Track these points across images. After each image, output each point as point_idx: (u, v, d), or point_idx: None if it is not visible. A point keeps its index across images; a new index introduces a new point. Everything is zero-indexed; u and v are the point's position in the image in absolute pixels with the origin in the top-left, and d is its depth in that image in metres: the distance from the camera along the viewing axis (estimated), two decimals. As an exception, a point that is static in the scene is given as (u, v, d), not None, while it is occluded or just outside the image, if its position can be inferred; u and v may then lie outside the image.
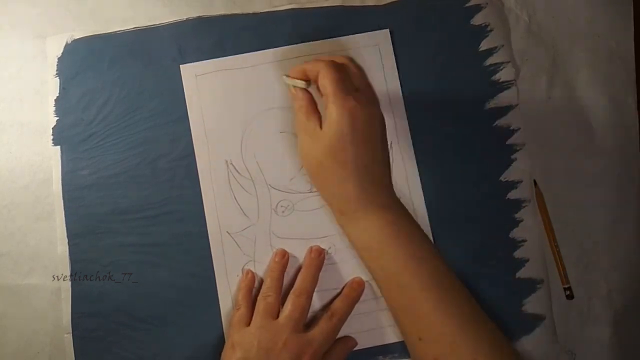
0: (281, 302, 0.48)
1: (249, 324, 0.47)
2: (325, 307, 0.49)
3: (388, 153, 0.47)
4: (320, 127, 0.45)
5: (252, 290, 0.50)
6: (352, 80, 0.46)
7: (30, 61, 0.54)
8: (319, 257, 0.50)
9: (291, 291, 0.48)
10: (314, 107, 0.47)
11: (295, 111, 0.48)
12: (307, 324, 0.48)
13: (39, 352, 0.51)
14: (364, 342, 0.50)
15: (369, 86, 0.48)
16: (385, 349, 0.50)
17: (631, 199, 0.53)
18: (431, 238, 0.51)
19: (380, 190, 0.45)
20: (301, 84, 0.47)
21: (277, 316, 0.47)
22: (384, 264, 0.44)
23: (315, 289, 0.50)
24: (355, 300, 0.50)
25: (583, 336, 0.51)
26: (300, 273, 0.49)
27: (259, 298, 0.48)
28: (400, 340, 0.50)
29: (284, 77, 0.49)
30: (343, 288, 0.50)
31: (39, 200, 0.52)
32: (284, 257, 0.50)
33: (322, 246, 0.51)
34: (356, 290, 0.50)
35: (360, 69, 0.48)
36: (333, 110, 0.44)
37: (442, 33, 0.54)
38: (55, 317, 0.51)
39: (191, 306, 0.51)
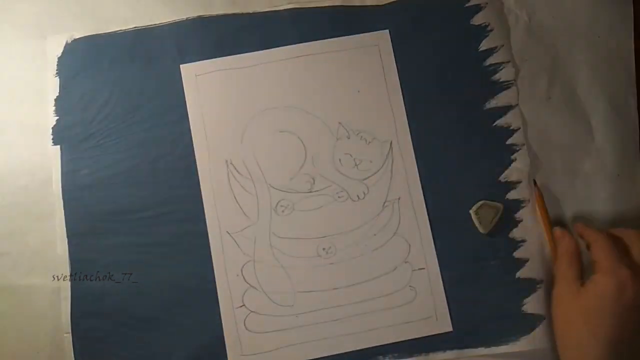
0: None
1: None
2: None
3: None
4: (580, 279, 0.45)
5: None
6: (631, 255, 0.46)
7: (30, 61, 0.54)
8: None
9: None
10: (578, 258, 0.47)
11: (558, 255, 0.48)
12: None
13: (39, 352, 0.51)
14: (364, 342, 0.50)
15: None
16: (385, 349, 0.50)
17: (631, 199, 0.53)
18: (432, 239, 0.51)
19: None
20: (499, 205, 0.50)
21: None
22: None
23: (315, 289, 0.50)
24: None
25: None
26: None
27: None
28: (399, 340, 0.50)
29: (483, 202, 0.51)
30: None
31: (39, 200, 0.52)
32: None
33: (322, 246, 0.51)
34: None
35: None
36: (602, 274, 0.43)
37: (442, 33, 0.54)
38: (55, 317, 0.51)
39: (191, 306, 0.51)
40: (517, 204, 0.52)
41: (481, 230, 0.51)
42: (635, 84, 0.54)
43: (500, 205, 0.51)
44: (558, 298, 0.46)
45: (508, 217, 0.52)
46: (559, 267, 0.47)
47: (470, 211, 0.51)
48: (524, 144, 0.52)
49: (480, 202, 0.51)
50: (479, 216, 0.51)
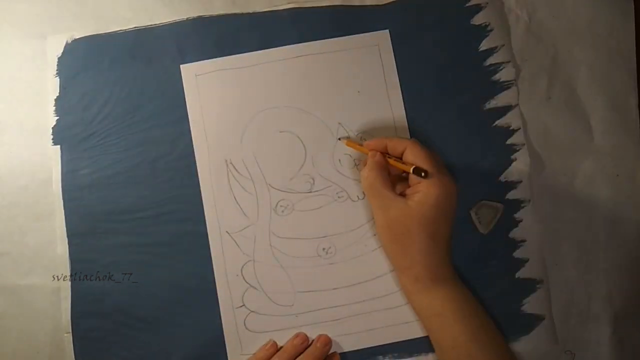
0: None
1: None
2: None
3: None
4: (391, 190, 0.46)
5: None
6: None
7: (30, 61, 0.54)
8: (324, 348, 0.49)
9: None
10: (387, 174, 0.48)
11: (366, 169, 0.48)
12: None
13: (39, 352, 0.51)
14: (363, 342, 0.50)
15: (443, 163, 0.49)
16: (385, 348, 0.50)
17: (631, 199, 0.53)
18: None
19: (449, 261, 0.47)
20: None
21: None
22: (455, 333, 0.45)
23: (315, 289, 0.50)
24: (319, 359, 0.49)
25: (583, 336, 0.51)
26: (299, 357, 0.49)
27: None
28: (399, 340, 0.50)
29: (342, 140, 0.51)
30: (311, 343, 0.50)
31: (39, 200, 0.52)
32: (302, 344, 0.50)
33: (322, 246, 0.51)
34: (320, 349, 0.49)
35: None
36: (434, 185, 0.45)
37: (442, 33, 0.54)
38: (55, 317, 0.51)
39: (191, 306, 0.51)
40: (517, 204, 0.52)
41: (481, 230, 0.51)
42: (635, 84, 0.54)
43: (500, 205, 0.51)
44: (386, 215, 0.46)
45: (508, 217, 0.52)
46: (372, 186, 0.47)
47: (470, 211, 0.51)
48: (524, 144, 0.52)
49: (480, 202, 0.51)
50: (479, 216, 0.51)
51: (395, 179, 0.49)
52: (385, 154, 0.48)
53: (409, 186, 0.48)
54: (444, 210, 0.45)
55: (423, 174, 0.45)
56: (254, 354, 0.49)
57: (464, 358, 0.45)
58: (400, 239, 0.46)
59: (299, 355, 0.49)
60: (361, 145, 0.50)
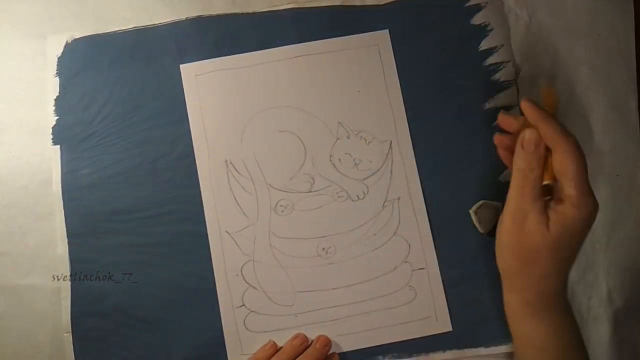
0: None
1: None
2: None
3: None
4: (541, 198, 0.41)
5: None
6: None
7: (30, 61, 0.54)
8: (324, 349, 0.49)
9: None
10: (540, 187, 0.42)
11: (519, 172, 0.42)
12: None
13: (39, 352, 0.51)
14: (363, 342, 0.50)
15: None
16: (385, 348, 0.50)
17: (631, 199, 0.52)
18: (432, 239, 0.51)
19: (565, 292, 0.44)
20: (499, 204, 0.45)
21: None
22: None
23: (315, 289, 0.50)
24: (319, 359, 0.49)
25: (583, 336, 0.51)
26: (299, 358, 0.48)
27: None
28: (399, 340, 0.50)
29: (483, 202, 0.48)
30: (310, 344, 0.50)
31: (39, 200, 0.52)
32: (301, 345, 0.49)
33: (322, 246, 0.51)
34: (320, 350, 0.49)
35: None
36: (580, 209, 0.40)
37: (442, 33, 0.54)
38: (55, 317, 0.51)
39: (191, 306, 0.51)
40: (517, 204, 0.52)
41: (481, 230, 0.51)
42: (635, 84, 0.54)
43: (500, 205, 0.51)
44: (519, 229, 0.42)
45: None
46: (521, 196, 0.42)
47: (470, 211, 0.51)
48: (524, 144, 0.52)
49: (480, 202, 0.51)
50: (479, 216, 0.51)
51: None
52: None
53: (551, 194, 0.42)
54: (581, 237, 0.41)
55: (550, 196, 0.40)
56: (254, 354, 0.49)
57: None
58: (525, 257, 0.42)
59: (299, 356, 0.49)
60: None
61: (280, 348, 0.50)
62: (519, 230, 0.42)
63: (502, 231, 0.43)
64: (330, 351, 0.50)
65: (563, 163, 0.40)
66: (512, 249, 0.43)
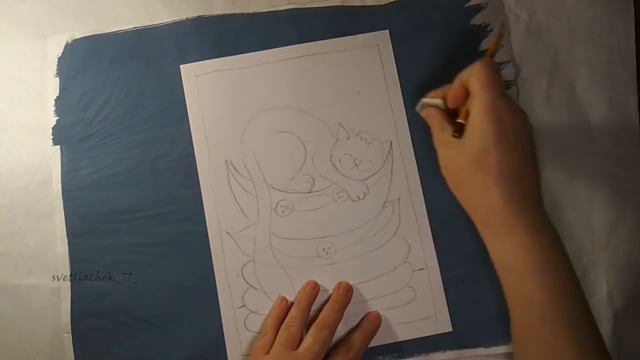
0: (304, 333, 0.47)
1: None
2: (344, 340, 0.49)
3: (536, 164, 0.44)
4: (445, 129, 0.45)
5: (282, 318, 0.49)
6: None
7: (30, 61, 0.54)
8: (347, 294, 0.49)
9: (314, 323, 0.47)
10: (448, 119, 0.46)
11: (431, 131, 0.47)
12: (326, 355, 0.47)
13: (39, 352, 0.51)
14: (363, 342, 0.50)
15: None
16: (385, 348, 0.50)
17: (631, 199, 0.53)
18: (432, 239, 0.51)
19: (530, 205, 0.42)
20: (438, 102, 0.47)
21: (298, 347, 0.46)
22: (527, 292, 0.41)
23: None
24: (373, 333, 0.49)
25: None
26: (325, 306, 0.49)
27: (282, 327, 0.47)
28: (399, 340, 0.50)
29: (423, 100, 0.49)
30: (361, 321, 0.50)
31: (39, 200, 0.52)
32: (314, 289, 0.50)
33: (322, 246, 0.51)
34: (373, 323, 0.49)
35: None
36: (477, 111, 0.41)
37: (442, 33, 0.54)
38: (55, 317, 0.51)
39: (191, 306, 0.51)
40: (517, 204, 0.52)
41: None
42: (635, 84, 0.54)
43: (440, 102, 0.48)
44: (445, 162, 0.46)
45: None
46: (436, 140, 0.47)
47: (417, 109, 0.51)
48: (524, 144, 0.52)
49: (421, 101, 0.50)
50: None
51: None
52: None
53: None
54: (498, 137, 0.40)
55: (458, 130, 0.43)
56: (268, 314, 0.49)
57: (534, 320, 0.41)
58: (457, 180, 0.44)
59: (313, 302, 0.49)
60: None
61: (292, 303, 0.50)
62: (442, 159, 0.45)
63: (440, 159, 0.46)
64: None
65: (471, 78, 0.42)
66: (447, 179, 0.46)
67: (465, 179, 0.43)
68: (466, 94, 0.44)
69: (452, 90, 0.45)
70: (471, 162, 0.42)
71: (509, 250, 0.42)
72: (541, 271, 0.40)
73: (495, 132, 0.41)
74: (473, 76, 0.43)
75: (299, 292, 0.50)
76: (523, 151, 0.42)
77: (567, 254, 0.42)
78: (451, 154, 0.44)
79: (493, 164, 0.41)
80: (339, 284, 0.50)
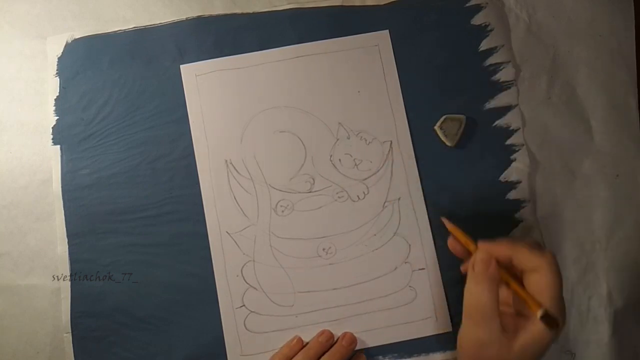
0: None
1: None
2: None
3: None
4: (499, 322, 0.38)
5: (289, 357, 0.48)
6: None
7: (30, 61, 0.54)
8: (349, 346, 0.49)
9: None
10: (498, 292, 0.39)
11: (473, 280, 0.39)
12: None
13: (38, 352, 0.51)
14: (364, 342, 0.50)
15: None
16: (385, 349, 0.50)
17: (631, 199, 0.53)
18: (432, 239, 0.51)
19: None
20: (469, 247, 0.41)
21: None
22: None
23: (315, 289, 0.50)
24: (345, 356, 0.48)
25: (583, 336, 0.51)
26: (325, 356, 0.48)
27: None
28: (399, 340, 0.50)
29: (445, 222, 0.43)
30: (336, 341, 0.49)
31: (39, 200, 0.52)
32: (328, 341, 0.49)
33: (322, 246, 0.51)
34: (347, 347, 0.49)
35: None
36: (547, 332, 0.37)
37: (442, 33, 0.54)
38: (55, 317, 0.51)
39: (191, 306, 0.51)
40: (517, 204, 0.52)
41: (448, 143, 0.52)
42: (635, 84, 0.54)
43: (463, 117, 0.51)
44: (481, 344, 0.38)
45: (508, 217, 0.52)
46: (487, 300, 0.38)
47: (435, 127, 0.52)
48: (523, 144, 0.52)
49: (444, 117, 0.52)
50: (444, 130, 0.51)
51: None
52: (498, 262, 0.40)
53: (513, 312, 0.39)
54: (545, 350, 0.38)
55: (548, 321, 0.37)
56: (279, 349, 0.49)
57: None
58: None
59: (325, 352, 0.48)
60: (469, 239, 0.42)
61: (306, 344, 0.49)
62: (479, 356, 0.39)
63: (461, 349, 0.41)
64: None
65: (540, 282, 0.38)
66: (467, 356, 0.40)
67: None
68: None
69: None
70: None
71: None
72: None
73: (544, 351, 0.38)
74: (547, 286, 0.38)
75: (313, 338, 0.49)
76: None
77: None
78: (493, 355, 0.38)
79: None
80: (344, 335, 0.49)
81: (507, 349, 0.37)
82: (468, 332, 0.39)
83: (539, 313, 0.37)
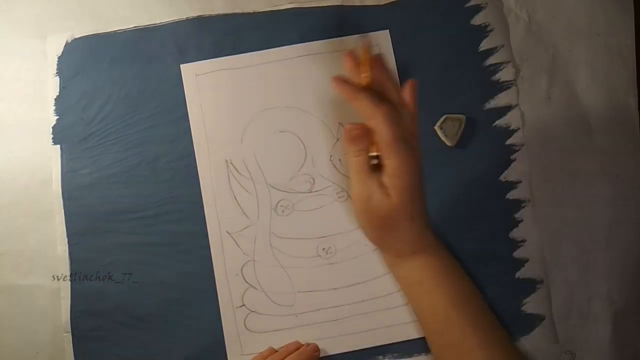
0: None
1: None
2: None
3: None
4: (372, 175, 0.43)
5: None
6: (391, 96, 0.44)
7: (30, 61, 0.54)
8: (314, 353, 0.49)
9: None
10: (370, 165, 0.44)
11: (349, 158, 0.44)
12: None
13: (38, 352, 0.51)
14: (364, 342, 0.50)
15: (405, 106, 0.44)
16: (385, 349, 0.50)
17: (631, 199, 0.53)
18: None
19: (428, 232, 0.46)
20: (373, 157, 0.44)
21: None
22: (434, 300, 0.45)
23: (315, 289, 0.50)
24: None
25: (583, 336, 0.51)
26: (290, 357, 0.48)
27: None
28: (399, 340, 0.50)
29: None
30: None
31: (39, 200, 0.52)
32: (315, 352, 0.49)
33: (322, 246, 0.51)
34: (308, 351, 0.49)
35: (391, 78, 0.44)
36: (406, 163, 0.42)
37: (442, 33, 0.54)
38: (55, 317, 0.51)
39: (191, 306, 0.51)
40: (517, 204, 0.52)
41: (448, 143, 0.52)
42: (635, 84, 0.54)
43: (462, 117, 0.52)
44: (365, 206, 0.44)
45: (508, 217, 0.52)
46: (362, 163, 0.44)
47: (435, 127, 0.52)
48: (523, 144, 0.52)
49: (444, 117, 0.52)
50: (444, 130, 0.52)
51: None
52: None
53: (381, 163, 0.44)
54: (419, 186, 0.44)
55: (374, 159, 0.43)
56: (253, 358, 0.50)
57: (442, 326, 0.45)
58: (382, 226, 0.45)
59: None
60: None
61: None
62: (368, 207, 0.44)
63: (356, 210, 0.45)
64: (331, 352, 0.50)
65: (378, 132, 0.42)
66: (370, 223, 0.45)
67: (389, 225, 0.44)
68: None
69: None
70: (398, 212, 0.43)
71: (415, 269, 0.46)
72: (442, 281, 0.45)
73: (416, 183, 0.43)
74: (382, 130, 0.42)
75: (282, 346, 0.50)
76: (423, 188, 0.45)
77: (457, 262, 0.48)
78: (378, 202, 0.43)
79: (416, 211, 0.44)
80: (309, 343, 0.50)
81: (386, 195, 0.43)
82: (352, 190, 0.45)
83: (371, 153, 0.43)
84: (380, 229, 0.45)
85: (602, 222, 0.52)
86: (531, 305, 0.51)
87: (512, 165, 0.52)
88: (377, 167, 0.44)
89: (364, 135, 0.43)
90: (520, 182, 0.52)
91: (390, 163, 0.42)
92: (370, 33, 0.54)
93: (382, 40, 0.53)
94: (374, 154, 0.43)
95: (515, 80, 0.53)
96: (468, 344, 0.44)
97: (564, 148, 0.53)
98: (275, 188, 0.52)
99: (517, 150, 0.52)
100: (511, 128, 0.53)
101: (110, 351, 0.50)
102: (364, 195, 0.44)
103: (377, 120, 0.42)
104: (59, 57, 0.54)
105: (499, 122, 0.53)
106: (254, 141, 0.52)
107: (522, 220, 0.52)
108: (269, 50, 0.53)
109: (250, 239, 0.51)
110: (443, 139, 0.52)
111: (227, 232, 0.51)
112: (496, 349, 0.44)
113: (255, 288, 0.51)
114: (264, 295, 0.51)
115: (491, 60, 0.53)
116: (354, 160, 0.44)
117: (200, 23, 0.54)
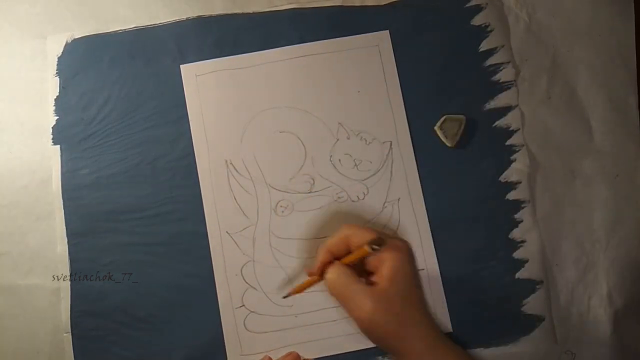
0: None
1: None
2: None
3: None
4: (358, 282, 0.46)
5: None
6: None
7: (30, 61, 0.54)
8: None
9: None
10: (350, 271, 0.46)
11: (327, 276, 0.47)
12: None
13: (38, 352, 0.51)
14: (363, 343, 0.50)
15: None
16: (385, 349, 0.50)
17: (631, 199, 0.53)
18: (431, 239, 0.51)
19: (432, 327, 0.46)
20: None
21: None
22: None
23: (315, 289, 0.50)
24: None
25: (583, 336, 0.51)
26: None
27: None
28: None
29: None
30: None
31: (39, 200, 0.52)
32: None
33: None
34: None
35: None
36: (393, 250, 0.46)
37: (442, 33, 0.54)
38: (54, 317, 0.51)
39: (191, 306, 0.51)
40: (517, 204, 0.52)
41: (448, 144, 0.52)
42: (635, 84, 0.54)
43: (462, 117, 0.52)
44: (361, 307, 0.45)
45: (508, 217, 0.52)
46: (338, 277, 0.46)
47: (435, 128, 0.52)
48: (523, 145, 0.52)
49: (444, 117, 0.52)
50: (444, 131, 0.51)
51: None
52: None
53: (370, 271, 0.47)
54: (413, 272, 0.46)
55: (377, 245, 0.44)
56: None
57: None
58: (389, 327, 0.44)
59: None
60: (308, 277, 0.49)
61: None
62: (368, 315, 0.45)
63: (360, 326, 0.46)
64: (331, 352, 0.50)
65: (358, 236, 0.46)
66: (377, 333, 0.46)
67: (396, 323, 0.45)
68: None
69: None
70: (394, 302, 0.44)
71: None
72: None
73: (411, 267, 0.47)
74: (358, 235, 0.46)
75: (279, 357, 0.49)
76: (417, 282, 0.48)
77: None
78: (374, 304, 0.44)
79: (415, 295, 0.46)
80: (290, 352, 0.49)
81: (378, 292, 0.44)
82: (351, 314, 0.46)
83: (366, 247, 0.44)
84: (388, 333, 0.45)
85: (602, 222, 0.52)
86: (531, 305, 0.51)
87: (512, 165, 0.52)
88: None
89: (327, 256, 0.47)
90: (520, 182, 0.52)
91: (382, 264, 0.46)
92: (370, 33, 0.54)
93: (382, 40, 0.53)
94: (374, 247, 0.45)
95: (515, 80, 0.53)
96: None
97: (564, 148, 0.53)
98: (275, 188, 0.52)
99: (517, 151, 0.52)
100: (511, 128, 0.53)
101: (110, 351, 0.50)
102: (359, 298, 0.45)
103: (347, 231, 0.47)
104: (59, 57, 0.54)
105: (499, 123, 0.53)
106: (254, 141, 0.52)
107: (522, 221, 0.52)
108: (269, 50, 0.53)
109: (250, 239, 0.51)
110: (443, 139, 0.52)
111: (226, 232, 0.51)
112: None
113: (255, 288, 0.51)
114: (263, 295, 0.51)
115: (491, 60, 0.53)
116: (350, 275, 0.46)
117: (200, 23, 0.54)
